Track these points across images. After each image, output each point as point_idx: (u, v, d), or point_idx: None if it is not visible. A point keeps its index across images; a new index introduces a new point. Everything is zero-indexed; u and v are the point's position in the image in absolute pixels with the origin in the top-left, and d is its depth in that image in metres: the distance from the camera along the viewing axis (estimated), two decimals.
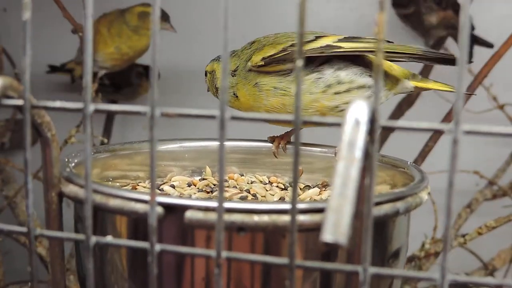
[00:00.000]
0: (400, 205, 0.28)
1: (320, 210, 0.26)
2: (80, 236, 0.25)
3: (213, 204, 0.26)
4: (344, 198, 0.20)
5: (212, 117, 0.23)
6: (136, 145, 0.43)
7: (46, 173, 0.30)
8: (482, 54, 0.90)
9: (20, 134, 1.00)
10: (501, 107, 0.93)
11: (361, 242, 0.23)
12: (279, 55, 0.43)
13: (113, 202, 0.28)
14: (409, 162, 0.37)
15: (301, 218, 0.26)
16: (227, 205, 0.25)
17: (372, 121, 0.21)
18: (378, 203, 0.28)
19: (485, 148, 1.03)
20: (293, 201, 0.23)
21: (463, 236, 0.82)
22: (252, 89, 0.44)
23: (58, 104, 0.25)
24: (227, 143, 0.46)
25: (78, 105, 0.25)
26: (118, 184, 0.41)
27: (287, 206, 0.26)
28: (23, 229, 0.26)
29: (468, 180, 1.00)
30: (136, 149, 0.43)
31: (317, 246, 0.28)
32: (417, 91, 0.61)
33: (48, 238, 0.29)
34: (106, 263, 0.31)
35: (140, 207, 0.27)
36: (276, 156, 0.45)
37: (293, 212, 0.22)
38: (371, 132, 0.21)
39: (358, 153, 0.21)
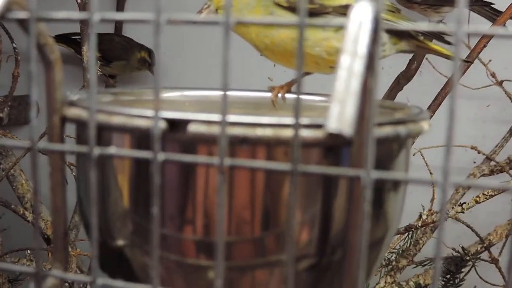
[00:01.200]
0: (401, 129, 0.29)
1: (321, 126, 0.26)
2: (83, 149, 0.26)
3: (216, 117, 0.26)
4: (349, 91, 0.20)
5: (216, 23, 0.23)
6: (137, 90, 0.43)
7: (49, 96, 0.30)
8: (474, 22, 0.90)
9: (18, 110, 1.01)
10: (500, 83, 0.94)
11: (363, 152, 0.23)
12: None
13: (116, 120, 0.28)
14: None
15: (304, 132, 0.26)
16: (229, 118, 0.26)
17: (375, 21, 0.22)
18: (380, 124, 0.28)
19: (483, 125, 1.04)
20: (296, 113, 0.23)
21: (461, 204, 0.83)
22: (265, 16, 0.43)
23: (64, 14, 0.25)
24: (229, 93, 0.46)
25: (83, 15, 0.25)
26: None
27: (289, 121, 0.26)
28: (26, 144, 0.26)
29: (466, 156, 1.00)
30: (138, 95, 0.43)
31: (319, 161, 0.28)
32: (419, 52, 0.61)
33: (52, 152, 0.29)
34: (107, 187, 0.31)
35: (142, 122, 0.27)
36: (274, 105, 0.46)
37: (296, 125, 0.22)
38: (374, 32, 0.22)
39: (362, 49, 0.21)
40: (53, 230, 0.32)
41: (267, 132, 0.26)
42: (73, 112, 0.30)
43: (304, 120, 0.26)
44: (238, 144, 0.27)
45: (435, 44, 0.56)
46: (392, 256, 0.91)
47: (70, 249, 0.91)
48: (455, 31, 0.22)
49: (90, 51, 0.24)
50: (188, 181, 0.29)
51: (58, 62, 0.29)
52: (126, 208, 0.31)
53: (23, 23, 0.26)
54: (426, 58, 0.95)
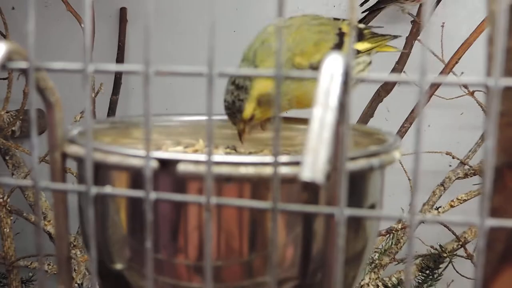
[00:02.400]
0: (374, 161, 0.29)
1: (298, 163, 0.26)
2: (82, 188, 0.26)
3: (203, 157, 0.26)
4: (321, 141, 0.20)
5: (200, 74, 0.23)
6: (134, 119, 0.43)
7: (51, 134, 0.30)
8: (453, 43, 0.91)
9: (29, 123, 1.01)
10: (472, 93, 0.94)
11: (338, 189, 0.23)
12: None
13: (112, 158, 0.28)
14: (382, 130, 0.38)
15: (283, 169, 0.26)
16: (215, 158, 0.26)
17: (346, 73, 0.22)
18: (354, 158, 0.28)
19: (457, 132, 1.04)
20: (275, 153, 0.23)
21: (437, 208, 0.83)
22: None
23: (60, 65, 0.25)
24: (219, 118, 0.47)
25: (77, 65, 0.25)
26: None
27: (270, 159, 0.26)
28: (30, 183, 0.26)
29: (443, 160, 1.01)
30: (135, 123, 0.43)
31: (297, 195, 0.29)
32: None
33: (53, 190, 0.29)
34: (106, 217, 0.31)
35: (136, 161, 0.27)
36: (262, 129, 0.46)
37: (275, 163, 0.22)
38: (345, 83, 0.22)
39: (333, 101, 0.21)
40: (57, 255, 0.32)
41: (250, 170, 0.26)
42: (72, 149, 0.30)
43: (283, 158, 0.26)
44: (224, 181, 0.27)
45: (388, 46, 0.57)
46: (375, 255, 0.91)
47: (78, 254, 0.92)
48: (419, 81, 0.22)
49: (86, 99, 0.24)
50: (180, 213, 0.29)
51: (58, 103, 0.29)
52: (124, 235, 0.31)
53: (24, 71, 0.26)
54: (404, 72, 0.95)
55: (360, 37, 0.48)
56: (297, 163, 0.26)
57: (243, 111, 0.41)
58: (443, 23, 0.95)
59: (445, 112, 1.02)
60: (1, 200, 0.95)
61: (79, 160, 0.30)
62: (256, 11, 1.11)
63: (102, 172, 0.31)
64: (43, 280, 0.29)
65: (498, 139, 0.22)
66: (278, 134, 0.24)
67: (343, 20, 0.50)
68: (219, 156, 0.25)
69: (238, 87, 0.40)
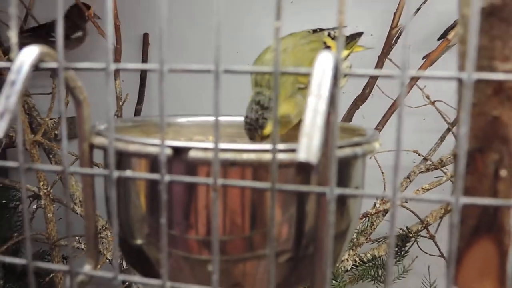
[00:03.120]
0: (358, 150, 0.27)
1: (293, 150, 0.24)
2: (105, 172, 0.24)
3: (211, 145, 0.24)
4: (315, 127, 0.19)
5: (208, 71, 0.22)
6: (153, 119, 0.41)
7: (80, 128, 0.28)
8: (418, 61, 0.89)
9: (69, 127, 0.99)
10: (433, 103, 0.92)
11: (328, 172, 0.22)
12: None
13: (132, 147, 0.26)
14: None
15: (280, 156, 0.24)
16: (221, 145, 0.24)
17: (336, 68, 0.20)
18: (341, 147, 0.26)
19: (421, 134, 1.02)
20: (274, 141, 0.21)
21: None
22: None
23: (86, 65, 0.23)
24: (224, 118, 0.45)
25: (101, 65, 0.23)
26: None
27: (269, 147, 0.24)
28: (59, 168, 0.24)
29: (408, 157, 0.99)
30: (154, 122, 0.41)
31: (292, 179, 0.27)
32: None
33: (81, 174, 0.28)
34: (128, 200, 0.29)
35: (153, 149, 0.25)
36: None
37: (274, 150, 0.21)
38: (335, 77, 0.20)
39: (325, 91, 0.19)
40: (86, 232, 0.30)
41: (252, 156, 0.24)
42: (98, 140, 0.28)
43: (281, 146, 0.24)
44: (229, 166, 0.25)
45: (359, 46, 0.54)
46: (353, 235, 0.89)
47: (109, 235, 0.89)
48: (401, 75, 0.20)
49: (109, 95, 0.23)
50: (191, 195, 0.27)
51: (86, 101, 0.28)
52: (143, 215, 0.29)
53: (54, 71, 0.24)
54: (377, 85, 0.94)
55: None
56: (292, 150, 0.24)
57: (264, 128, 0.39)
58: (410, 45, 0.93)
59: (410, 118, 1.01)
60: (45, 190, 0.93)
61: (104, 150, 0.29)
62: (255, 35, 1.09)
63: (124, 160, 0.29)
64: (71, 254, 0.27)
65: (470, 127, 0.20)
66: (276, 125, 0.22)
67: (322, 30, 0.47)
68: (225, 144, 0.23)
69: (263, 107, 0.38)
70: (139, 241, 0.30)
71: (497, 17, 0.20)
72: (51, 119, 1.06)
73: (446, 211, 0.89)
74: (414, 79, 0.83)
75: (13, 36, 0.23)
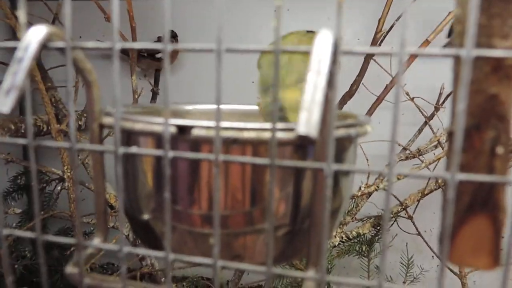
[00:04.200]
0: (352, 131, 0.25)
1: (292, 129, 0.21)
2: (111, 148, 0.21)
3: (212, 123, 0.22)
4: (314, 102, 0.16)
5: (210, 50, 0.19)
6: (161, 106, 0.39)
7: (90, 109, 0.26)
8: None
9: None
10: (412, 99, 0.90)
11: (325, 149, 0.19)
12: None
13: (138, 126, 0.23)
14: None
15: (279, 134, 0.22)
16: (223, 124, 0.21)
17: (335, 46, 0.17)
18: (336, 127, 0.24)
19: (401, 127, 1.00)
20: (273, 119, 0.19)
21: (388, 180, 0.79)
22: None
23: (92, 44, 0.21)
24: (226, 106, 0.42)
25: (107, 44, 0.20)
26: None
27: (268, 126, 0.22)
28: (67, 144, 0.22)
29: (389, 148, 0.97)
30: (162, 108, 0.38)
31: (290, 156, 0.24)
32: None
33: (90, 151, 0.25)
34: (136, 177, 0.27)
35: (158, 128, 0.23)
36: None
37: (273, 128, 0.18)
38: (334, 54, 0.17)
39: (324, 68, 0.17)
40: (96, 208, 0.27)
41: (252, 134, 0.22)
42: (107, 120, 0.26)
43: (280, 125, 0.22)
44: (231, 144, 0.22)
45: None
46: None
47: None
48: (399, 53, 0.17)
49: (114, 74, 0.20)
50: (195, 171, 0.25)
51: (95, 83, 0.25)
52: (150, 190, 0.27)
53: (62, 51, 0.22)
54: (362, 83, 0.91)
55: None
56: (290, 129, 0.22)
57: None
58: (392, 46, 0.90)
59: (391, 112, 0.98)
60: (69, 173, 0.91)
61: (113, 129, 0.26)
62: (258, 40, 1.06)
63: (133, 139, 0.26)
64: (79, 229, 0.24)
65: (467, 104, 0.18)
66: (276, 104, 0.19)
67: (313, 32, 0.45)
68: (227, 122, 0.21)
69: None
70: (146, 216, 0.28)
71: None
72: (76, 111, 1.03)
73: (423, 195, 0.86)
74: (396, 78, 0.80)
75: (21, 15, 0.21)
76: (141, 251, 0.22)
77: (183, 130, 0.23)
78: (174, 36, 1.02)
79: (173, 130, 0.22)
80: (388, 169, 0.19)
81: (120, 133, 0.24)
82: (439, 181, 0.86)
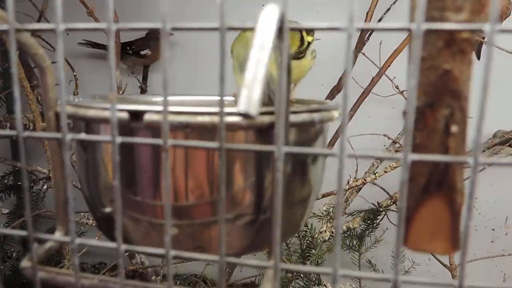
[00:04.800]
0: (315, 115, 0.24)
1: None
2: (59, 135, 0.20)
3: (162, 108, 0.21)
4: (256, 79, 0.15)
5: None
6: (134, 96, 0.38)
7: (45, 96, 0.25)
8: (385, 52, 0.86)
9: None
10: (401, 92, 0.89)
11: (280, 132, 0.18)
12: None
13: (91, 112, 0.23)
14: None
15: (234, 118, 0.21)
16: (177, 108, 0.21)
17: (281, 21, 0.17)
18: (297, 112, 0.23)
19: (390, 121, 0.99)
20: (221, 104, 0.18)
21: (375, 173, 0.79)
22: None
23: (37, 25, 0.20)
24: (200, 97, 0.41)
25: (51, 26, 0.20)
26: None
27: (217, 109, 0.21)
28: (14, 132, 0.21)
29: (379, 141, 0.96)
30: (134, 99, 0.38)
31: (253, 141, 0.23)
32: None
33: (37, 139, 0.24)
34: (97, 167, 0.26)
35: (108, 114, 0.22)
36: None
37: (221, 113, 0.17)
38: (280, 30, 0.17)
39: (268, 43, 0.16)
40: (56, 200, 0.27)
41: (206, 119, 0.21)
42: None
43: (232, 109, 0.21)
44: (185, 128, 0.21)
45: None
46: (330, 209, 0.86)
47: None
48: (348, 27, 0.17)
49: (59, 59, 0.19)
50: (155, 160, 0.24)
51: (49, 68, 0.24)
52: (110, 182, 0.26)
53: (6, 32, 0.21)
54: (352, 77, 0.90)
55: (307, 32, 0.44)
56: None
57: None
58: (381, 40, 0.90)
59: (380, 106, 0.97)
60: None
61: (72, 118, 0.25)
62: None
63: (92, 127, 0.25)
64: (30, 224, 0.23)
65: (420, 81, 0.17)
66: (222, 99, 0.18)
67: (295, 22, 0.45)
68: (178, 107, 0.20)
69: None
70: (107, 209, 0.27)
71: None
72: None
73: None
74: (383, 68, 0.79)
75: None
76: (93, 242, 0.21)
77: (137, 116, 0.22)
78: (159, 32, 1.01)
79: (125, 116, 0.21)
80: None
81: (78, 121, 0.24)
82: None
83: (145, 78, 1.06)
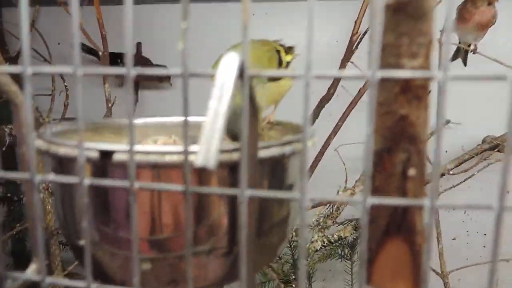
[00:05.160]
0: (287, 148, 0.24)
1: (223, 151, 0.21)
2: (26, 175, 0.21)
3: (136, 147, 0.21)
4: (214, 130, 0.16)
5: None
6: (106, 121, 0.38)
7: (19, 132, 0.25)
8: None
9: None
10: None
11: (249, 173, 0.19)
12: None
13: (62, 150, 0.23)
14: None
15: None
16: (146, 148, 0.21)
17: (241, 69, 0.17)
18: (268, 147, 0.23)
19: None
20: (185, 143, 0.18)
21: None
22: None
23: (4, 68, 0.20)
24: (176, 119, 0.41)
25: (16, 69, 0.20)
26: None
27: (193, 149, 0.21)
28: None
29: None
30: (107, 125, 0.37)
31: (227, 177, 0.24)
32: None
33: (6, 179, 0.24)
34: (72, 202, 0.26)
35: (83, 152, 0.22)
36: None
37: (185, 152, 0.18)
38: (241, 77, 0.17)
39: (227, 94, 0.16)
40: (32, 239, 0.27)
41: (174, 158, 0.21)
42: (37, 143, 0.25)
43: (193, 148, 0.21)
44: (152, 168, 0.22)
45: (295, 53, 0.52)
46: (321, 219, 0.87)
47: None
48: (305, 75, 0.17)
49: (27, 102, 0.19)
50: (125, 197, 0.24)
51: (23, 104, 0.24)
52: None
53: None
54: (342, 86, 0.91)
55: (286, 51, 0.45)
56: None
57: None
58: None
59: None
60: (44, 185, 0.90)
61: (44, 154, 0.25)
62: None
63: (65, 163, 0.26)
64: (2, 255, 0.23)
65: (377, 126, 0.17)
66: (186, 126, 0.19)
67: (274, 41, 0.47)
68: (147, 146, 0.20)
69: None
70: (82, 242, 0.27)
71: (404, 13, 0.17)
72: (54, 119, 1.02)
73: None
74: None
75: None
76: (64, 281, 0.21)
77: (107, 155, 0.22)
78: (138, 47, 1.02)
79: (95, 155, 0.21)
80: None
81: (52, 158, 0.24)
82: None
83: (136, 90, 1.06)
